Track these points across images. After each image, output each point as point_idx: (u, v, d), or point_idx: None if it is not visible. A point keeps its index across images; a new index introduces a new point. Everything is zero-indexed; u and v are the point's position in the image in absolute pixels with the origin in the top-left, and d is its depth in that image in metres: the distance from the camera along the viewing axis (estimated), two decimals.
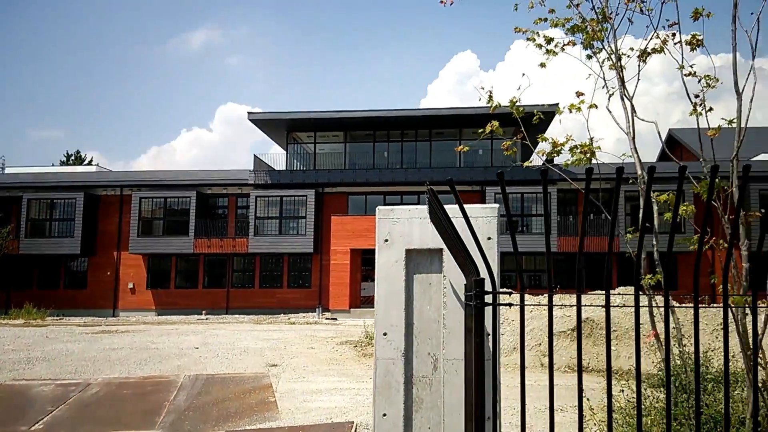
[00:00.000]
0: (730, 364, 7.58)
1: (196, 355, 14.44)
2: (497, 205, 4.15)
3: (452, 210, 3.99)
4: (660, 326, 5.63)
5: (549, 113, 5.34)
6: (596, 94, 5.20)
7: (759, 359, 4.80)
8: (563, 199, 30.48)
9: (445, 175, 29.90)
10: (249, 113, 31.69)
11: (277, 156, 34.46)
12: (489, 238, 4.03)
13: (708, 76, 4.64)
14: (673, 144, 35.54)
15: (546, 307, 17.42)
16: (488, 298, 2.98)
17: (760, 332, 4.66)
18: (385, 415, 4.11)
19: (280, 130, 33.28)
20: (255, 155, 33.03)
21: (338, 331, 21.38)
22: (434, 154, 32.61)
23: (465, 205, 4.06)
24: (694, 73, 4.66)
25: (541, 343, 13.10)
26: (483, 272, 3.04)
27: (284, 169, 33.35)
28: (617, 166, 2.52)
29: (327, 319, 28.29)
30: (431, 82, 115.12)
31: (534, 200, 29.77)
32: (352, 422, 7.83)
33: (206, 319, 28.52)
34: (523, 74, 5.19)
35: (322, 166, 33.60)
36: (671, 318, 5.12)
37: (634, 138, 4.88)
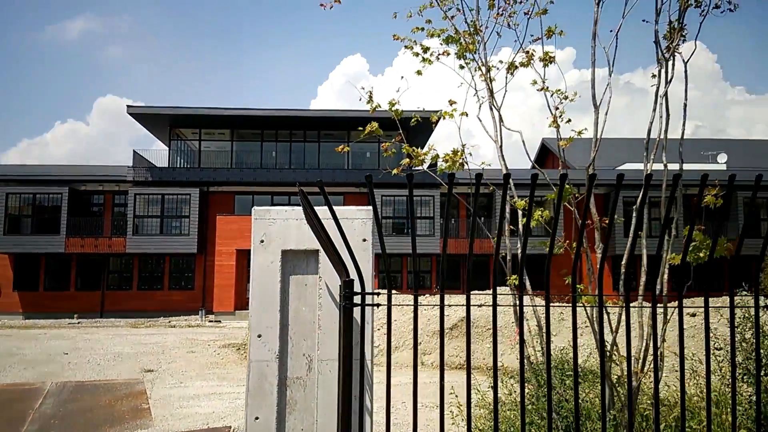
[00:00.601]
0: (594, 359, 8.16)
1: (65, 361, 13.57)
2: (370, 208, 4.24)
3: (339, 211, 4.03)
4: (529, 324, 5.95)
5: (433, 119, 5.52)
6: (469, 103, 5.45)
7: (614, 355, 5.19)
8: (445, 202, 31.42)
9: (334, 177, 29.99)
10: (128, 107, 30.12)
11: (159, 152, 33.02)
12: (364, 240, 4.10)
13: (559, 90, 5.02)
14: (546, 152, 37.78)
15: (427, 307, 17.83)
16: (362, 299, 3.04)
17: (613, 329, 5.07)
18: (257, 418, 4.06)
19: (162, 125, 31.90)
20: (134, 151, 31.45)
21: (221, 333, 20.84)
22: (323, 156, 32.59)
23: (341, 207, 4.11)
24: (547, 88, 5.01)
25: (421, 342, 13.46)
26: (355, 273, 3.11)
27: (166, 166, 32.00)
28: (476, 173, 2.66)
29: (210, 321, 27.48)
30: (321, 83, 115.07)
31: (419, 203, 30.51)
32: (230, 427, 7.68)
33: (78, 323, 26.79)
34: (402, 77, 5.35)
35: (208, 164, 32.59)
36: (534, 316, 5.44)
37: (501, 146, 5.16)
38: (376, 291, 3.12)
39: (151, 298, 30.73)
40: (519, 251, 5.31)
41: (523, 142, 5.17)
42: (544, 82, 5.02)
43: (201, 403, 9.40)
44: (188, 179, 30.37)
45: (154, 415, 8.68)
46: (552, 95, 5.00)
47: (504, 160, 5.17)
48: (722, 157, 32.67)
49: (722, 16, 5.40)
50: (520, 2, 5.10)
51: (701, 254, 4.01)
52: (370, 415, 3.73)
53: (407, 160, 5.22)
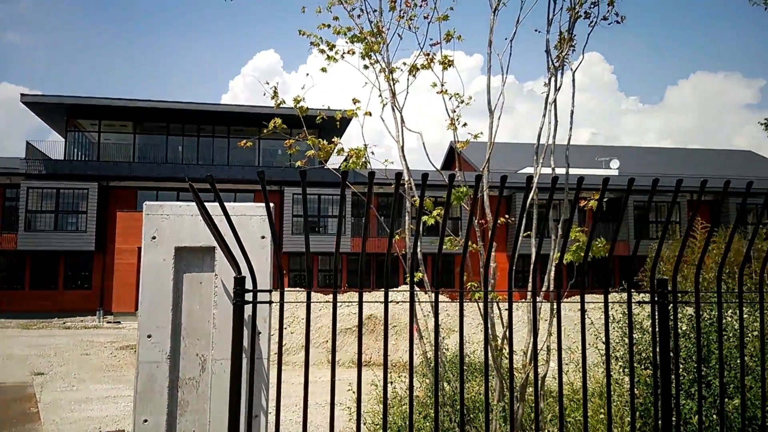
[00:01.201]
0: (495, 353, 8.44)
1: None
2: (272, 204, 4.20)
3: (238, 207, 3.97)
4: (429, 323, 6.07)
5: (338, 116, 5.53)
6: (375, 102, 5.50)
7: (504, 349, 5.40)
8: (357, 201, 31.64)
9: (244, 174, 29.39)
10: (22, 95, 28.22)
11: (55, 144, 31.16)
12: (263, 237, 4.07)
13: (458, 94, 5.19)
14: (454, 154, 38.70)
15: (338, 306, 17.97)
16: (254, 296, 3.02)
17: (505, 325, 5.28)
18: (146, 421, 3.93)
19: (58, 115, 30.12)
20: (28, 142, 29.50)
21: (120, 335, 19.97)
22: (233, 152, 31.89)
23: (240, 204, 4.05)
24: (446, 91, 5.17)
25: (327, 340, 13.47)
26: (247, 271, 3.07)
27: (62, 158, 30.26)
28: (369, 171, 2.71)
29: (109, 322, 26.24)
30: (233, 77, 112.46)
31: (331, 202, 30.47)
32: (123, 430, 7.39)
33: None
34: (308, 74, 5.34)
35: (108, 157, 31.08)
36: (423, 311, 5.59)
37: (403, 147, 5.26)
38: (269, 289, 3.10)
39: (45, 298, 28.96)
40: (418, 250, 5.43)
41: (423, 144, 5.30)
42: (442, 85, 5.16)
43: (93, 407, 8.99)
44: (86, 173, 28.82)
45: (44, 419, 8.23)
46: (450, 98, 5.15)
47: (405, 160, 5.27)
48: (615, 163, 34.77)
49: (611, 28, 5.74)
50: (420, 6, 5.21)
51: (582, 254, 4.25)
52: (265, 414, 3.70)
53: (312, 152, 5.21)
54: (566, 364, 7.85)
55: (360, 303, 3.25)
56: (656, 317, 3.24)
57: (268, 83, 5.50)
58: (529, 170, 33.35)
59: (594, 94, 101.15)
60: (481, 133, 5.12)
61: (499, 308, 5.17)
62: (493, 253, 5.37)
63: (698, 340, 3.39)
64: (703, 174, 29.83)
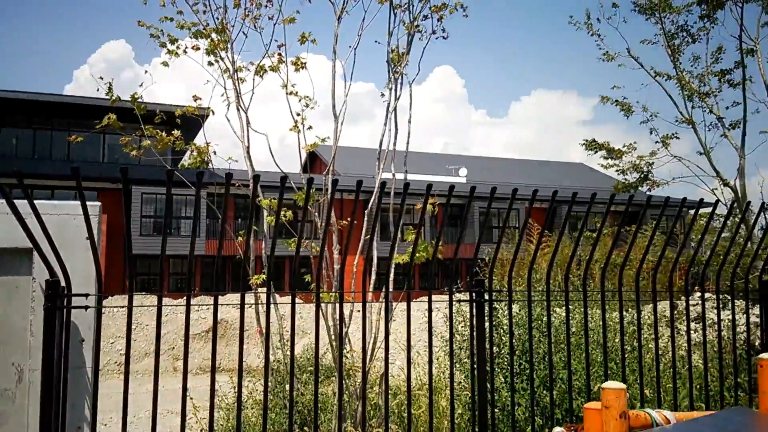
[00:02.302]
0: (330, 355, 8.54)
1: None
2: (99, 203, 3.98)
3: (61, 206, 3.72)
4: (278, 325, 6.02)
5: (178, 113, 5.33)
6: (221, 101, 5.39)
7: (344, 349, 5.52)
8: (213, 203, 30.61)
9: (87, 171, 27.32)
10: None
11: None
12: (88, 238, 3.84)
13: (307, 96, 5.26)
14: (314, 158, 38.80)
15: (181, 312, 17.13)
16: (68, 301, 2.84)
17: (347, 324, 5.39)
18: None
19: None
20: None
21: None
22: (76, 147, 29.53)
23: (66, 202, 3.81)
24: (295, 93, 5.22)
25: (174, 347, 12.94)
26: (67, 273, 2.89)
27: None
28: (198, 171, 2.66)
29: None
30: (78, 67, 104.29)
31: (184, 202, 29.24)
32: None
33: None
34: (146, 71, 5.13)
35: None
36: (276, 313, 5.56)
37: (248, 147, 5.21)
38: (84, 293, 2.94)
39: None
40: (263, 252, 5.41)
41: (269, 145, 5.29)
42: (292, 86, 5.19)
43: None
44: None
45: None
46: (300, 100, 5.19)
47: (251, 160, 5.22)
48: (463, 171, 36.85)
49: (463, 44, 6.15)
50: (266, 6, 5.20)
51: (418, 255, 4.47)
52: (90, 426, 3.49)
53: (147, 142, 5.01)
54: (416, 365, 8.13)
55: (215, 306, 3.24)
56: (473, 314, 3.49)
57: (101, 78, 5.22)
58: (388, 176, 34.19)
59: (447, 105, 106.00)
60: (328, 137, 5.22)
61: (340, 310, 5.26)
62: (357, 258, 5.47)
63: (510, 336, 3.70)
64: (540, 183, 32.35)
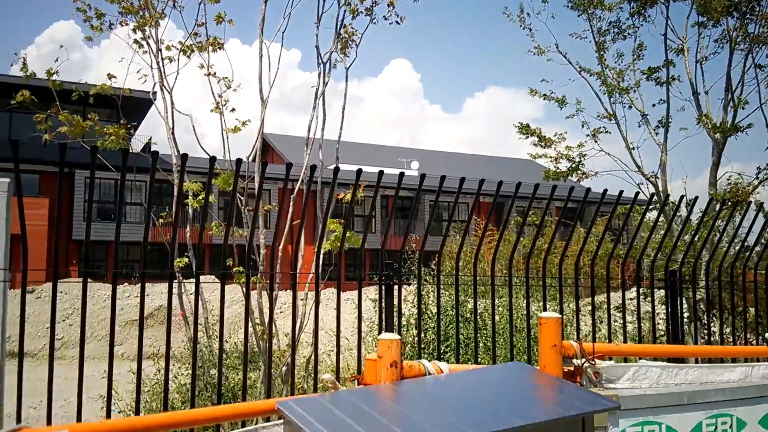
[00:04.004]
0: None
1: None
2: (8, 180, 3.92)
3: None
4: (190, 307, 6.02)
5: (93, 92, 5.25)
6: (136, 78, 5.33)
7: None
8: (160, 189, 30.01)
9: (26, 153, 26.44)
10: None
11: None
12: None
13: (227, 77, 5.26)
14: (266, 147, 38.52)
15: (125, 297, 16.68)
16: None
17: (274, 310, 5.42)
18: None
19: None
20: None
21: None
22: (16, 127, 28.49)
23: None
24: (215, 74, 5.22)
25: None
26: None
27: None
28: (92, 146, 2.67)
29: None
30: (25, 47, 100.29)
31: (130, 188, 28.57)
32: None
33: None
34: (62, 46, 5.04)
35: None
36: (201, 298, 5.56)
37: (173, 129, 5.18)
38: None
39: None
40: (188, 236, 5.38)
41: (193, 126, 5.27)
42: (210, 67, 5.18)
43: None
44: None
45: None
46: (219, 81, 5.19)
47: (175, 142, 5.19)
48: (415, 164, 37.16)
49: (419, 37, 6.21)
50: None
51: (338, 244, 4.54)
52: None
53: (65, 128, 4.93)
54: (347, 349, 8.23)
55: (142, 291, 3.30)
56: (382, 296, 3.65)
57: (15, 53, 5.09)
58: (346, 167, 34.22)
59: (402, 99, 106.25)
60: (249, 121, 5.23)
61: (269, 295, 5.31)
62: (282, 244, 5.51)
63: (419, 316, 3.84)
64: (489, 178, 32.80)
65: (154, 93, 5.20)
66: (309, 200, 3.48)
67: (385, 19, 6.23)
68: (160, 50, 5.19)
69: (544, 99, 10.02)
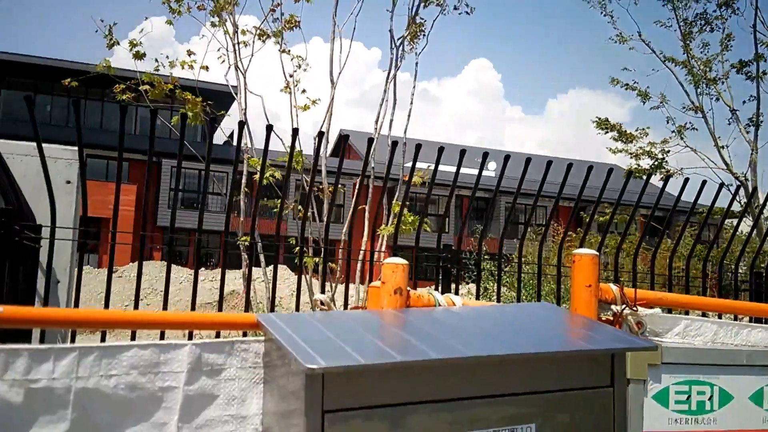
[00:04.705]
0: None
1: None
2: (74, 148, 4.05)
3: (46, 149, 3.77)
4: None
5: (173, 66, 5.37)
6: (220, 60, 5.38)
7: None
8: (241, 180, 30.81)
9: (115, 141, 27.76)
10: None
11: None
12: (68, 182, 3.89)
13: (300, 56, 5.22)
14: (342, 142, 38.90)
15: (205, 281, 17.10)
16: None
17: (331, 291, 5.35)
18: None
19: None
20: None
21: None
22: (109, 117, 30.11)
23: (48, 146, 3.85)
24: (288, 51, 5.19)
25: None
26: (20, 203, 2.90)
27: None
28: (267, 124, 2.65)
29: None
30: (120, 40, 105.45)
31: (214, 178, 29.50)
32: None
33: None
34: (143, 30, 5.15)
35: None
36: (265, 279, 5.56)
37: (245, 110, 5.21)
38: (37, 224, 2.94)
39: None
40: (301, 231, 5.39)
41: (264, 108, 5.30)
42: (284, 44, 5.16)
43: None
44: None
45: None
46: (292, 59, 5.17)
47: (248, 125, 5.21)
48: (492, 165, 36.47)
49: (500, 37, 6.04)
50: None
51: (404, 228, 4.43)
52: None
53: (148, 86, 5.05)
54: None
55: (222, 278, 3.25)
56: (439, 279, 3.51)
57: (102, 20, 5.24)
58: (422, 165, 33.95)
59: (482, 100, 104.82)
60: (319, 99, 5.19)
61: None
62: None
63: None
64: (571, 182, 31.76)
65: (229, 73, 5.27)
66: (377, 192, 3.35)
67: (455, 9, 6.07)
68: (237, 32, 5.23)
69: (626, 89, 9.51)
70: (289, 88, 5.12)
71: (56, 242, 3.18)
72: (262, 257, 5.15)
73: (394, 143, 3.53)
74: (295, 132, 3.23)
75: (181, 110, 4.88)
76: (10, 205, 2.75)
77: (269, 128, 2.95)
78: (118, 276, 16.62)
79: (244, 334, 1.84)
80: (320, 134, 3.21)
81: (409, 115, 5.52)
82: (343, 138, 38.79)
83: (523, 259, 3.86)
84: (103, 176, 27.52)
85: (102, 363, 1.28)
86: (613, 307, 2.12)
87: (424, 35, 5.60)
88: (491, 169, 36.65)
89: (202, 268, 18.87)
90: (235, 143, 5.54)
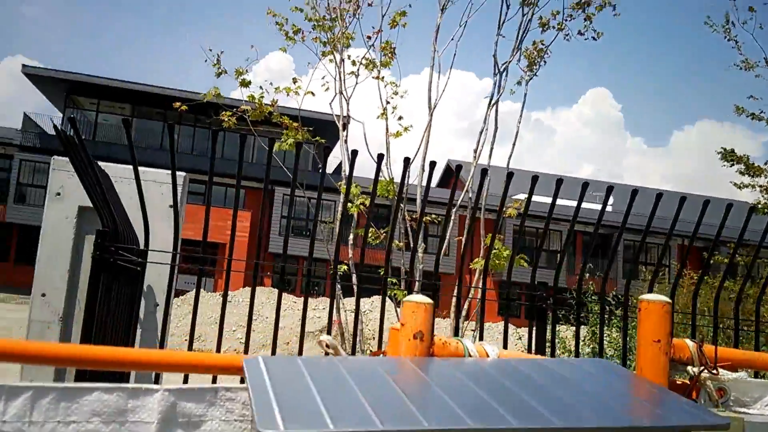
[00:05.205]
0: None
1: None
2: (185, 173, 4.12)
3: (149, 173, 3.84)
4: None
5: (278, 91, 5.47)
6: (324, 88, 5.39)
7: None
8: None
9: (234, 168, 29.19)
10: (24, 66, 28.21)
11: (53, 119, 31.10)
12: (171, 206, 3.94)
13: (394, 82, 5.10)
14: (450, 173, 38.75)
15: (313, 310, 17.50)
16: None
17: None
18: (32, 381, 3.78)
19: (58, 90, 30.01)
20: (25, 113, 29.43)
21: None
22: (229, 146, 31.74)
23: (152, 170, 3.92)
24: (383, 78, 5.07)
25: (288, 342, 13.29)
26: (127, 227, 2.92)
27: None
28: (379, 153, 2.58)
29: None
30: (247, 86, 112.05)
31: (323, 207, 30.25)
32: None
33: None
34: (252, 46, 5.24)
35: (105, 138, 30.95)
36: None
37: (346, 137, 5.14)
38: (140, 248, 2.93)
39: (30, 274, 28.58)
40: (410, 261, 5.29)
41: (365, 134, 5.19)
42: (379, 72, 5.07)
43: None
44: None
45: None
46: (386, 86, 5.07)
47: (348, 149, 5.15)
48: (611, 200, 34.73)
49: (621, 66, 5.74)
50: None
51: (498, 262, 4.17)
52: None
53: (246, 106, 5.13)
54: None
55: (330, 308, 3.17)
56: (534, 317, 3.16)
57: (210, 49, 5.40)
58: (536, 198, 32.94)
59: (599, 130, 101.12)
60: (412, 126, 5.03)
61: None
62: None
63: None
64: (693, 219, 29.58)
65: (333, 101, 5.25)
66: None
67: (581, 34, 5.73)
68: (343, 60, 5.22)
69: (752, 119, 8.67)
70: (385, 115, 5.01)
71: (158, 266, 3.19)
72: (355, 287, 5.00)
73: (484, 171, 3.26)
74: (380, 157, 3.06)
75: (296, 136, 4.90)
76: (105, 227, 2.75)
77: (380, 157, 2.81)
78: (227, 301, 17.16)
79: (242, 381, 1.59)
80: (406, 160, 3.01)
81: (513, 144, 5.23)
82: (457, 168, 38.63)
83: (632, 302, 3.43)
84: (222, 202, 28.94)
85: (60, 407, 1.09)
86: (689, 368, 1.75)
87: (544, 61, 5.31)
88: (609, 204, 34.88)
89: (316, 298, 19.17)
90: (345, 172, 5.50)
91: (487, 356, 1.61)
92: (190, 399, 1.20)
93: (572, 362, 1.55)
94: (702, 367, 1.71)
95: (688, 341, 1.76)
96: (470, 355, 1.60)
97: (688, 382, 1.72)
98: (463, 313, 5.14)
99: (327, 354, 1.52)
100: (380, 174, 3.17)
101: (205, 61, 5.44)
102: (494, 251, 4.62)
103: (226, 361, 1.38)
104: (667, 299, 1.66)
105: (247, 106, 5.17)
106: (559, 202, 4.97)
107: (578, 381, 1.35)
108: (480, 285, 4.93)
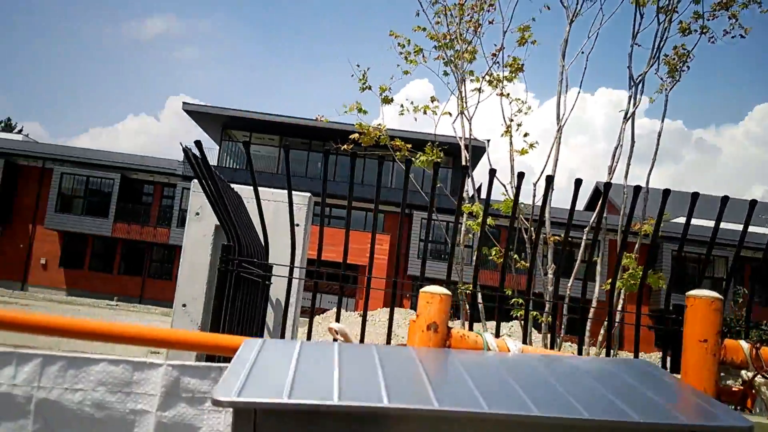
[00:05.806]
0: None
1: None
2: (309, 194, 4.31)
3: (277, 194, 4.10)
4: None
5: (416, 111, 5.59)
6: (456, 107, 5.43)
7: None
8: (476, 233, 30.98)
9: (371, 193, 30.06)
10: (184, 104, 31.20)
11: (210, 151, 33.98)
12: (297, 225, 4.15)
13: (519, 99, 4.97)
14: (599, 195, 36.97)
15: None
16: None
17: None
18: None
19: (215, 125, 32.84)
20: (183, 146, 32.37)
21: None
22: (368, 173, 32.78)
23: (279, 191, 4.17)
24: (508, 94, 4.97)
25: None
26: (254, 241, 3.13)
27: (215, 165, 32.92)
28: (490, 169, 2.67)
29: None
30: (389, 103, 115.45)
31: (447, 229, 30.14)
32: None
33: (116, 305, 27.62)
34: (392, 77, 5.41)
35: (256, 167, 33.17)
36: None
37: (469, 156, 5.12)
38: (264, 263, 3.12)
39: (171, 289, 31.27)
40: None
41: (488, 154, 5.15)
42: (503, 87, 5.00)
43: None
44: (234, 179, 30.92)
45: None
46: (511, 102, 4.98)
47: (468, 162, 5.13)
48: None
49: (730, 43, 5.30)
50: (488, 10, 5.09)
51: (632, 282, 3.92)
52: None
53: (357, 135, 5.29)
54: None
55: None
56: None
57: (358, 65, 5.57)
58: (696, 222, 30.27)
59: None
60: (537, 143, 4.88)
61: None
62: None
63: None
64: None
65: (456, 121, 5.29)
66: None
67: (726, 33, 5.31)
68: (464, 80, 5.23)
69: None
70: (509, 132, 4.93)
71: (284, 280, 3.37)
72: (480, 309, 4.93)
73: (637, 189, 3.06)
74: (521, 176, 2.99)
75: (432, 159, 5.00)
76: (230, 242, 2.96)
77: (492, 173, 2.77)
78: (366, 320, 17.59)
79: None
80: (549, 178, 2.94)
81: (653, 160, 4.92)
82: (605, 186, 36.89)
83: None
84: (362, 226, 29.87)
85: (67, 374, 1.16)
86: (743, 372, 1.55)
87: (687, 66, 4.98)
88: None
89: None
90: (468, 192, 5.49)
91: (508, 350, 1.52)
92: (194, 375, 1.25)
93: (602, 361, 1.43)
94: (756, 372, 1.53)
95: (743, 342, 1.58)
96: (489, 349, 1.53)
97: (741, 389, 1.55)
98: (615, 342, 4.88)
99: (335, 341, 1.50)
100: (505, 193, 3.14)
101: (352, 75, 5.70)
102: (630, 272, 4.35)
103: (226, 341, 1.45)
104: (716, 295, 1.49)
105: (378, 131, 5.35)
106: (723, 225, 4.54)
107: (594, 378, 1.24)
108: (619, 308, 4.66)
